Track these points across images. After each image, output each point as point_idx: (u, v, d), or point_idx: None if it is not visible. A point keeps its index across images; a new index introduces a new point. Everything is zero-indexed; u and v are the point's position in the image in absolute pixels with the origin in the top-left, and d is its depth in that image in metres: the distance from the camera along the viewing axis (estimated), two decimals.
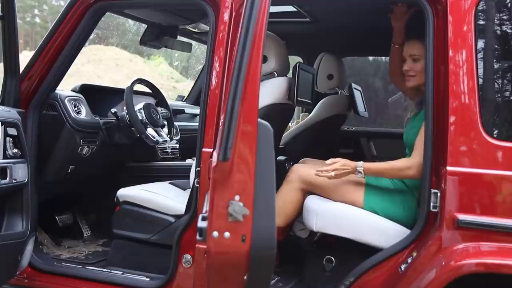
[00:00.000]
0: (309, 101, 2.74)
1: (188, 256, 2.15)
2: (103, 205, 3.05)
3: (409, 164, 2.06)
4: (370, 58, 4.81)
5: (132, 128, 2.85)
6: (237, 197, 1.38)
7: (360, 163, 2.13)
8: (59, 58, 2.45)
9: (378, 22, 2.67)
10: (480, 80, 1.79)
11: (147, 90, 3.27)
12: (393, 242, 1.95)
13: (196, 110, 3.90)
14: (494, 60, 1.89)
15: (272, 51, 2.48)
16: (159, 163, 3.33)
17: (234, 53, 1.55)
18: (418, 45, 2.16)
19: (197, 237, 1.42)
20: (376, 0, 2.38)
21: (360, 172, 2.12)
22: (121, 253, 2.55)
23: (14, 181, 2.19)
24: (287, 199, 2.27)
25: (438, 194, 1.79)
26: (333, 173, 2.13)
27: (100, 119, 2.90)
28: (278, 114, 2.54)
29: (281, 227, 2.30)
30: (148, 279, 2.32)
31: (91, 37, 3.25)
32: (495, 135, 1.77)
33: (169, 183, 2.77)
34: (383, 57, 4.59)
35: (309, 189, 2.26)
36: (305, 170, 2.27)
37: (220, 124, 1.51)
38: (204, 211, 1.51)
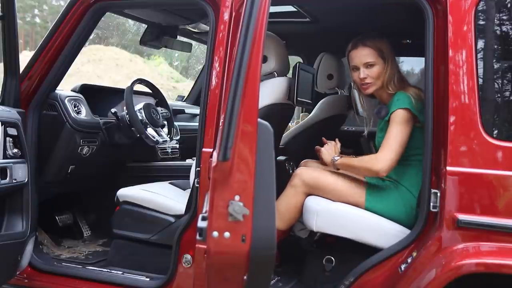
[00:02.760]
0: (309, 101, 2.74)
1: (188, 256, 2.15)
2: (103, 205, 3.05)
3: (377, 161, 2.07)
4: None
5: (132, 128, 2.85)
6: (237, 197, 1.38)
7: (337, 157, 2.25)
8: (59, 58, 2.45)
9: (378, 22, 2.67)
10: (480, 80, 1.79)
11: (147, 90, 3.27)
12: (393, 242, 1.95)
13: (196, 110, 3.90)
14: (494, 60, 1.89)
15: (272, 51, 2.48)
16: (159, 163, 3.33)
17: (234, 53, 1.55)
18: (368, 51, 2.23)
19: (197, 237, 1.42)
20: (376, 0, 2.38)
21: (334, 164, 2.24)
22: (121, 253, 2.55)
23: (14, 181, 2.19)
24: (291, 204, 2.27)
25: (438, 194, 1.79)
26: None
27: (100, 119, 2.90)
28: (278, 114, 2.54)
29: (283, 230, 2.31)
30: (148, 279, 2.32)
31: (91, 37, 3.25)
32: (495, 135, 1.77)
33: (169, 183, 2.77)
34: None
35: (312, 193, 2.26)
36: (309, 174, 2.27)
37: (220, 124, 1.51)
38: (204, 211, 1.51)
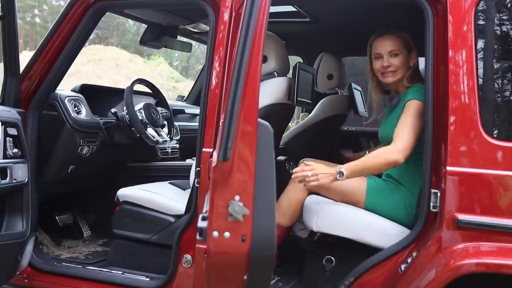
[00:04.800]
0: (309, 101, 2.74)
1: (188, 256, 2.15)
2: (103, 205, 3.05)
3: (393, 148, 2.03)
4: None
5: (132, 128, 2.85)
6: (237, 197, 1.38)
7: (342, 167, 2.03)
8: (59, 58, 2.45)
9: (378, 22, 2.66)
10: (480, 80, 1.79)
11: (147, 90, 3.27)
12: (393, 242, 1.95)
13: (196, 110, 3.90)
14: (494, 60, 1.89)
15: (272, 51, 2.48)
16: (159, 163, 3.33)
17: (234, 53, 1.55)
18: (394, 40, 2.22)
19: (197, 237, 1.42)
20: (376, 0, 2.38)
21: (342, 175, 2.02)
22: (121, 253, 2.55)
23: (14, 181, 2.19)
24: (293, 199, 2.28)
25: (438, 194, 1.79)
26: (310, 175, 2.04)
27: (100, 119, 2.90)
28: (278, 114, 2.54)
29: (285, 226, 2.31)
30: (148, 279, 2.32)
31: (91, 37, 3.25)
32: (495, 135, 1.77)
33: (169, 183, 2.77)
34: None
35: (313, 189, 2.26)
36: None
37: (220, 124, 1.51)
38: (204, 211, 1.51)
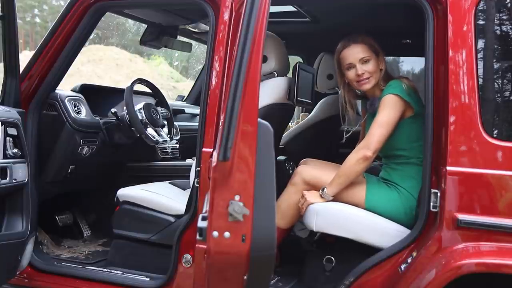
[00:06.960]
0: (309, 101, 2.74)
1: (188, 256, 2.15)
2: (103, 205, 3.05)
3: (359, 146, 2.13)
4: None
5: (132, 128, 2.85)
6: (237, 197, 1.38)
7: (324, 189, 2.18)
8: (59, 58, 2.45)
9: (378, 22, 2.67)
10: (480, 80, 1.79)
11: (147, 90, 3.28)
12: (393, 242, 1.95)
13: (196, 110, 3.90)
14: (494, 60, 1.89)
15: (272, 51, 2.48)
16: (159, 163, 3.33)
17: (234, 53, 1.55)
18: (361, 48, 2.27)
19: (197, 237, 1.42)
20: (376, 0, 2.38)
21: (323, 191, 2.17)
22: (121, 253, 2.55)
23: (14, 181, 2.19)
24: (292, 202, 2.28)
25: (438, 194, 1.79)
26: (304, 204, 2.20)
27: (100, 119, 2.90)
28: (278, 114, 2.54)
29: (284, 229, 2.31)
30: (148, 279, 2.32)
31: (91, 37, 3.26)
32: (495, 135, 1.77)
33: (169, 183, 2.77)
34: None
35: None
36: (308, 172, 2.29)
37: (220, 124, 1.51)
38: (204, 211, 1.51)
